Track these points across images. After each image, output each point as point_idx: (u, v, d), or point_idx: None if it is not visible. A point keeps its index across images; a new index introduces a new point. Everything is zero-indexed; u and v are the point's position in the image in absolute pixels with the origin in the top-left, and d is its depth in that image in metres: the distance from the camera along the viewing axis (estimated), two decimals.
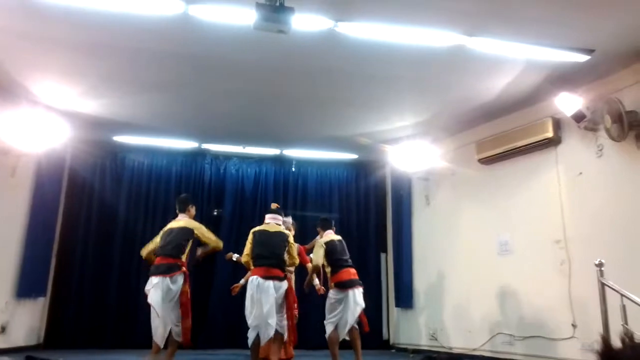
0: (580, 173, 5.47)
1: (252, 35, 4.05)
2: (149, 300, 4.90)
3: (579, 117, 5.27)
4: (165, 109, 6.45)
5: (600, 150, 5.25)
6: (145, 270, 5.67)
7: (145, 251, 5.41)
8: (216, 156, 8.23)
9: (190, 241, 5.20)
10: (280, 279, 4.94)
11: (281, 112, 6.45)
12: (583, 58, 4.74)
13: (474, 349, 6.33)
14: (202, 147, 7.92)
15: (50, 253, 7.16)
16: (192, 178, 8.12)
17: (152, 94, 5.91)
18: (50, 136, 6.21)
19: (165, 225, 5.42)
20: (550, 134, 5.66)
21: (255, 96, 5.93)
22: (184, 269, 5.04)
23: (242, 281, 5.81)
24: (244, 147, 7.96)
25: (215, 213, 8.06)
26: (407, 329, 7.70)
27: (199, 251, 5.48)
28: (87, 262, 7.42)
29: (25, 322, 6.71)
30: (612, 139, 4.94)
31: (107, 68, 5.24)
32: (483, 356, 6.16)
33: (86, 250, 7.46)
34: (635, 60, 4.82)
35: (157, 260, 5.08)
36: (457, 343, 6.67)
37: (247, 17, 3.83)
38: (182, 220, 5.31)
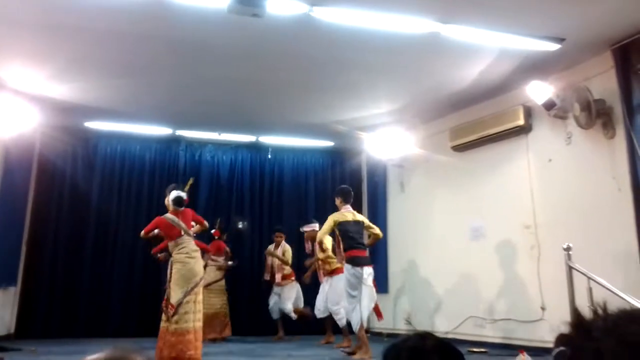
0: (550, 160, 5.60)
1: (227, 19, 4.01)
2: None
3: (549, 105, 5.37)
4: (138, 94, 6.32)
5: (569, 137, 5.37)
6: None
7: None
8: (191, 143, 8.13)
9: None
10: None
11: (257, 98, 6.39)
12: (554, 47, 4.83)
13: (447, 332, 6.47)
14: (177, 133, 7.81)
15: (20, 242, 6.99)
16: (167, 165, 8.01)
17: (124, 78, 5.78)
18: (18, 121, 6.04)
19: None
20: (521, 121, 5.77)
21: (230, 82, 5.86)
22: None
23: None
24: (219, 134, 7.89)
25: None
26: (382, 313, 7.79)
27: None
28: (59, 251, 7.28)
29: None
30: (581, 126, 5.06)
31: (75, 51, 5.09)
32: (455, 339, 6.29)
33: (58, 238, 7.32)
34: (603, 50, 4.93)
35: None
36: (430, 326, 6.79)
37: (221, 0, 3.78)
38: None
